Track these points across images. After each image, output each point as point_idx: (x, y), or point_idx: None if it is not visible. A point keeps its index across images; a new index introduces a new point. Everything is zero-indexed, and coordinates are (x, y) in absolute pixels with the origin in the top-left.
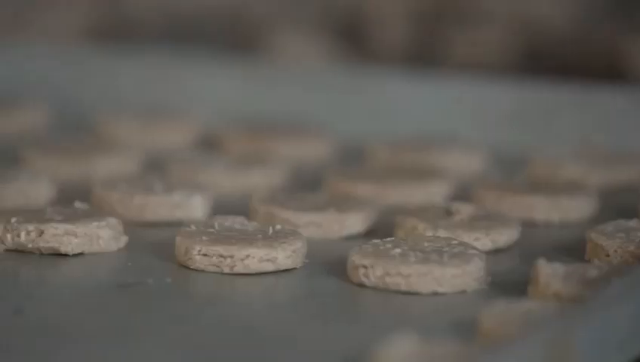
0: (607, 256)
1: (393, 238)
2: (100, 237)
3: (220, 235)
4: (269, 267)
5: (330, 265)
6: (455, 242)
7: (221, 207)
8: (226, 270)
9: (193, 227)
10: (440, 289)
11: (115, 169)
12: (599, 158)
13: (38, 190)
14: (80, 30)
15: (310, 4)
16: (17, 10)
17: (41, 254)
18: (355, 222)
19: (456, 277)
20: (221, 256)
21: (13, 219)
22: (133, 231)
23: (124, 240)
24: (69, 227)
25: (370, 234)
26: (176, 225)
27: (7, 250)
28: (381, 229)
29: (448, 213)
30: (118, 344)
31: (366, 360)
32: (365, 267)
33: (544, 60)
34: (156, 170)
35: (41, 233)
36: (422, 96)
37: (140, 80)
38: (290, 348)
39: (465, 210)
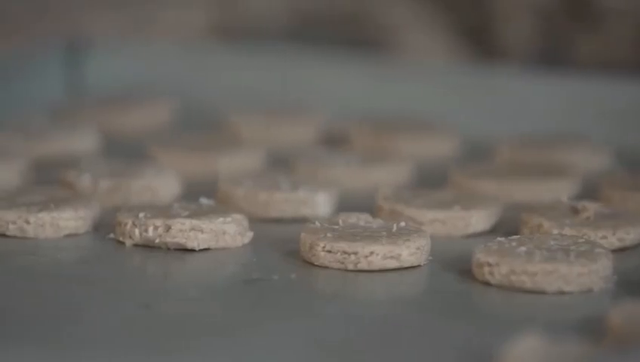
0: None
1: (518, 236)
2: (226, 232)
3: (344, 232)
4: (393, 264)
5: (454, 262)
6: (581, 240)
7: (346, 204)
8: (350, 266)
9: (318, 223)
10: (566, 288)
11: (241, 165)
12: None
13: (164, 186)
14: (206, 27)
15: (436, 2)
16: (143, 8)
17: (168, 249)
18: (479, 220)
19: (583, 276)
20: (345, 252)
21: (141, 215)
22: (258, 227)
23: (249, 236)
24: (195, 223)
25: (494, 231)
26: (301, 221)
27: (135, 245)
28: (506, 227)
29: (574, 211)
30: (243, 339)
31: (492, 360)
32: (490, 265)
33: None
34: (281, 166)
35: (168, 228)
36: (547, 94)
37: (266, 77)
38: (413, 345)
39: (591, 208)
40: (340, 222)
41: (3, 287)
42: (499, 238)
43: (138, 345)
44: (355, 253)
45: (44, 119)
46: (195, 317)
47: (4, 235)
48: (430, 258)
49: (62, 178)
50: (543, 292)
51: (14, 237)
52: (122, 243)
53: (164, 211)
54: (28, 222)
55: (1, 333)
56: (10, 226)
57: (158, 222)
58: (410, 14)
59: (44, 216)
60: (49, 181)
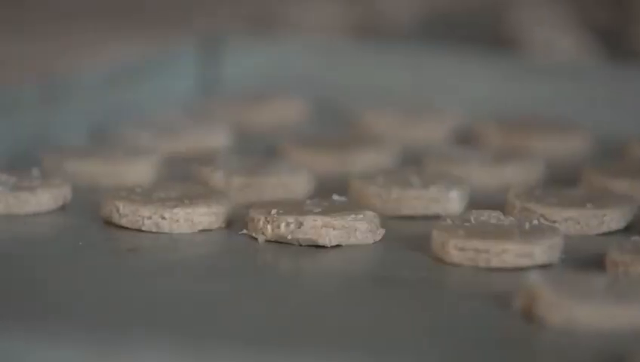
0: None
1: None
2: (357, 229)
3: (476, 229)
4: (526, 262)
5: (587, 261)
6: None
7: (477, 202)
8: (482, 264)
9: (449, 221)
10: None
11: (373, 162)
12: None
13: (297, 182)
14: (341, 25)
15: (568, 1)
16: (279, 4)
17: (300, 245)
18: (613, 218)
19: None
20: (477, 250)
21: (274, 211)
22: (390, 224)
23: (380, 233)
24: (327, 219)
25: (628, 230)
26: (433, 218)
27: (267, 241)
28: None
29: None
30: (374, 337)
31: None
32: (625, 264)
33: None
34: (413, 164)
35: (300, 225)
36: None
37: (398, 75)
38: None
39: None
40: (472, 219)
41: (137, 282)
42: (633, 237)
43: (269, 340)
44: (487, 251)
45: (179, 116)
46: (325, 315)
47: (139, 230)
48: (563, 256)
49: (196, 174)
50: None
51: (150, 232)
52: (255, 239)
53: (296, 208)
54: (163, 218)
55: (136, 328)
56: (146, 221)
57: (291, 219)
58: (542, 13)
59: (179, 212)
60: (183, 177)
